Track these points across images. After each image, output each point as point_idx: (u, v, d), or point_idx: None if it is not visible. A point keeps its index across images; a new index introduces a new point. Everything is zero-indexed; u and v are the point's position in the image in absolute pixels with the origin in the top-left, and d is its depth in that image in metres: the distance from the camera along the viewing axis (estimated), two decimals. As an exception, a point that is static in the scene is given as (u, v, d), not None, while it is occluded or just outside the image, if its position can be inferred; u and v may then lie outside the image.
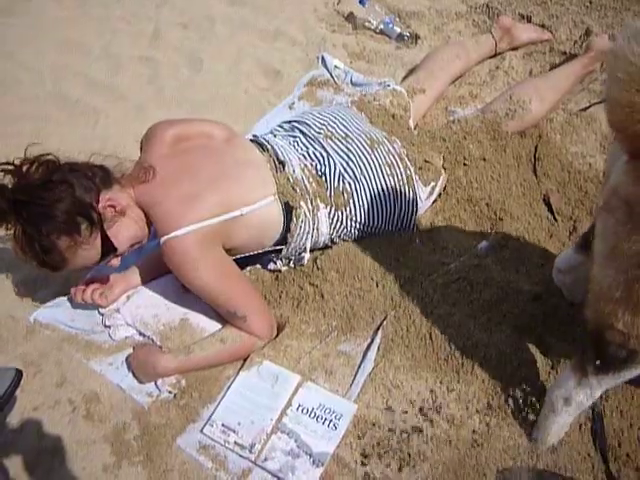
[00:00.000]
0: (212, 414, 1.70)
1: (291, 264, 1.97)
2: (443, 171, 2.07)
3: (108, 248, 1.73)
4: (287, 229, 1.86)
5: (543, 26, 2.69)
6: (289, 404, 1.68)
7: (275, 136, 2.04)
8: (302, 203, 1.86)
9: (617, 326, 1.25)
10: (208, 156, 1.83)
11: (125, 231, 1.75)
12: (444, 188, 2.08)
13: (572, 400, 1.46)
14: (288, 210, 1.85)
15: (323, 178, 1.92)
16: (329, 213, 1.92)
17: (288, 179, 1.86)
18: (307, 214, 1.87)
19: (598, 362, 1.37)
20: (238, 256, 1.87)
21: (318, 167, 1.93)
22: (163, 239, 1.70)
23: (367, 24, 2.77)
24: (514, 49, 2.62)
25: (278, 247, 1.91)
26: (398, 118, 2.16)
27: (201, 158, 1.82)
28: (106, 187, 1.73)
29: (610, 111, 1.12)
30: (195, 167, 1.79)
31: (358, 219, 1.94)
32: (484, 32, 2.68)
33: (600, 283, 1.27)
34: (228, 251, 1.81)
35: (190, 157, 1.82)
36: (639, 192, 1.14)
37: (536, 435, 1.59)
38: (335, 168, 1.93)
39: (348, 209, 1.93)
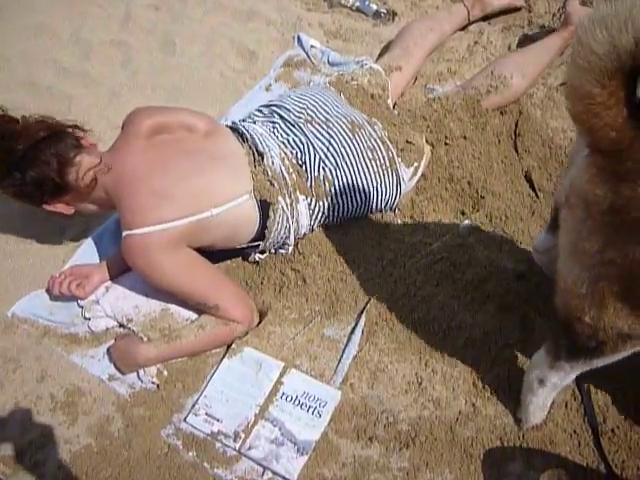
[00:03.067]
0: (195, 403, 1.68)
1: (272, 251, 1.94)
2: (426, 150, 2.04)
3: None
4: (264, 226, 1.83)
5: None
6: (273, 392, 1.67)
7: (255, 122, 1.99)
8: (280, 198, 1.82)
9: (585, 320, 1.23)
10: (183, 152, 1.80)
11: (82, 207, 1.86)
12: (426, 168, 2.05)
13: (547, 381, 1.46)
14: (264, 207, 1.81)
15: (303, 167, 1.88)
16: (309, 204, 1.88)
17: (266, 173, 1.82)
18: (285, 209, 1.83)
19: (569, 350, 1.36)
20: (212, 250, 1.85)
21: (299, 155, 1.89)
22: (125, 233, 1.69)
23: (343, 2, 2.72)
24: (487, 17, 2.58)
25: (255, 243, 1.87)
26: (377, 98, 2.12)
27: (175, 153, 1.79)
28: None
29: (569, 101, 1.06)
30: (167, 162, 1.76)
31: (340, 207, 1.91)
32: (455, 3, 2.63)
33: (566, 276, 1.25)
34: (198, 249, 1.78)
35: (164, 151, 1.79)
36: (596, 190, 1.09)
37: (520, 414, 1.60)
38: (316, 156, 1.88)
39: (329, 198, 1.89)
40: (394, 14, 2.69)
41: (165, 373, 1.74)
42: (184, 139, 1.84)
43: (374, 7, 2.68)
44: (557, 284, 1.31)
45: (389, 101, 2.18)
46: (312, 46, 2.53)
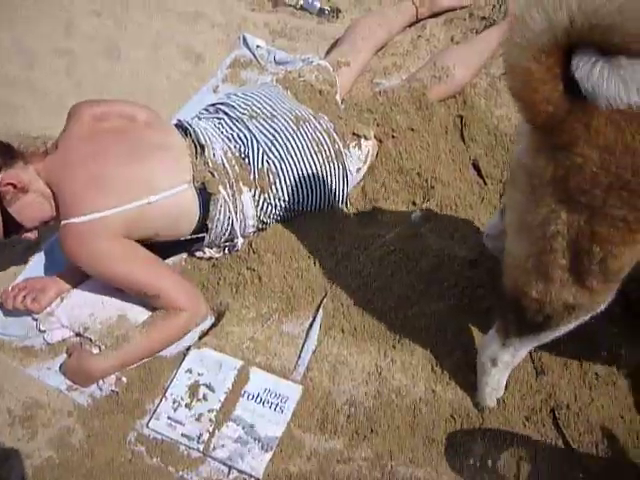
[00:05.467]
0: (157, 408, 1.67)
1: (226, 251, 1.94)
2: (373, 143, 2.07)
3: (12, 225, 1.74)
4: (205, 216, 1.83)
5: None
6: (235, 391, 1.66)
7: (200, 119, 2.01)
8: (221, 188, 1.83)
9: (532, 294, 1.27)
10: (123, 139, 1.81)
11: (29, 208, 1.75)
12: (375, 160, 2.08)
13: (499, 360, 1.50)
14: (205, 197, 1.82)
15: (246, 160, 1.89)
16: (253, 196, 1.89)
17: (207, 164, 1.83)
18: (227, 199, 1.84)
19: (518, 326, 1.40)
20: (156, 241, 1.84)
21: (242, 149, 1.90)
22: (63, 222, 1.70)
23: (287, 1, 2.72)
24: (435, 15, 2.62)
25: (200, 235, 1.87)
26: (325, 94, 2.14)
27: (115, 140, 1.80)
28: (7, 165, 1.72)
29: (508, 78, 1.09)
30: (107, 149, 1.78)
31: (286, 199, 1.92)
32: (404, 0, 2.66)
33: (513, 254, 1.29)
34: (143, 241, 1.77)
35: (105, 139, 1.81)
36: (539, 163, 1.13)
37: (477, 396, 1.63)
38: (259, 149, 1.90)
39: (274, 189, 1.90)
40: (338, 11, 2.72)
41: (124, 380, 1.73)
42: (125, 128, 1.87)
43: (318, 5, 2.70)
44: (504, 263, 1.35)
45: (337, 97, 2.19)
46: (258, 46, 2.53)
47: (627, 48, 0.97)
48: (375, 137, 2.08)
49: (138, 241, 1.77)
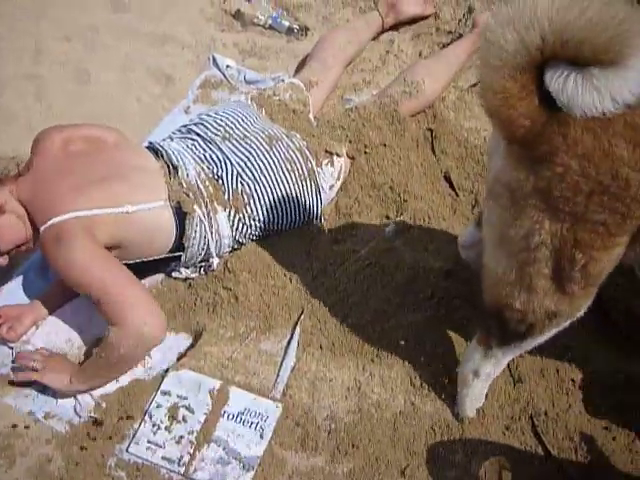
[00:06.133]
0: (136, 432, 1.66)
1: (202, 271, 1.94)
2: (345, 159, 2.08)
3: None
4: (182, 235, 1.83)
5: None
6: (215, 412, 1.66)
7: (172, 140, 2.01)
8: (196, 207, 1.83)
9: (515, 306, 1.30)
10: (96, 160, 1.83)
11: (4, 229, 1.74)
12: (347, 176, 2.09)
13: (481, 372, 1.52)
14: (181, 216, 1.82)
15: (220, 181, 1.90)
16: (228, 215, 1.90)
17: (181, 184, 1.84)
18: (202, 218, 1.84)
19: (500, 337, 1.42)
20: (133, 261, 1.82)
21: (215, 170, 1.91)
22: (42, 228, 1.69)
23: (256, 20, 2.75)
24: (397, 26, 2.65)
25: (176, 254, 1.87)
26: (298, 113, 2.15)
27: (89, 161, 1.82)
28: None
29: (484, 97, 1.13)
30: (83, 167, 1.79)
31: (261, 218, 1.93)
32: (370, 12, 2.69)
33: (494, 269, 1.31)
34: (118, 255, 1.76)
35: (78, 159, 1.83)
36: (519, 176, 1.16)
37: (457, 408, 1.64)
38: (232, 170, 1.91)
39: (249, 209, 1.91)
40: (306, 29, 2.74)
41: (103, 405, 1.71)
42: (96, 149, 1.88)
43: (286, 24, 2.72)
44: (484, 278, 1.37)
45: (310, 116, 2.21)
46: (228, 66, 2.54)
47: (598, 59, 1.01)
48: (347, 154, 2.10)
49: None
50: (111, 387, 1.75)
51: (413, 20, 2.68)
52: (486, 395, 1.62)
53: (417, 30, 2.69)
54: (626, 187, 1.10)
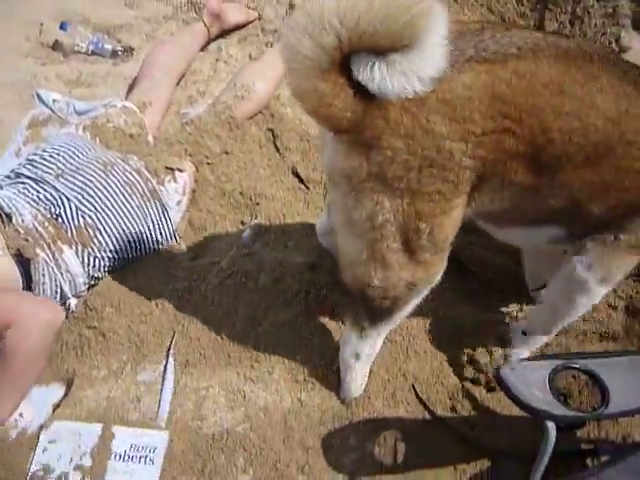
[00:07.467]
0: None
1: (61, 315, 1.86)
2: (189, 173, 2.06)
3: None
4: (29, 282, 1.76)
5: (249, 8, 2.75)
6: (101, 457, 1.60)
7: (2, 188, 1.92)
8: (38, 251, 1.76)
9: (374, 283, 1.35)
10: None
11: None
12: (194, 190, 2.07)
13: (361, 354, 1.56)
14: (24, 263, 1.74)
15: (59, 220, 1.83)
16: (76, 252, 1.83)
17: (17, 230, 1.76)
18: (48, 261, 1.77)
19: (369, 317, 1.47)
20: None
21: (52, 210, 1.84)
22: None
23: (77, 48, 2.65)
24: (226, 32, 2.67)
25: None
26: (136, 137, 2.11)
27: None
28: None
29: (301, 101, 1.17)
30: None
31: (112, 247, 1.88)
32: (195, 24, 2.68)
33: (347, 251, 1.36)
34: None
35: None
36: (353, 164, 1.21)
37: (343, 393, 1.67)
38: (70, 206, 1.85)
39: (97, 241, 1.86)
40: (131, 49, 2.68)
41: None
42: None
43: (109, 47, 2.65)
44: (340, 261, 1.41)
45: (149, 137, 2.17)
46: (54, 100, 2.43)
47: (393, 47, 1.07)
48: (189, 167, 2.08)
49: None
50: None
51: (238, 26, 2.70)
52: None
53: (243, 33, 2.71)
54: (451, 157, 1.18)
